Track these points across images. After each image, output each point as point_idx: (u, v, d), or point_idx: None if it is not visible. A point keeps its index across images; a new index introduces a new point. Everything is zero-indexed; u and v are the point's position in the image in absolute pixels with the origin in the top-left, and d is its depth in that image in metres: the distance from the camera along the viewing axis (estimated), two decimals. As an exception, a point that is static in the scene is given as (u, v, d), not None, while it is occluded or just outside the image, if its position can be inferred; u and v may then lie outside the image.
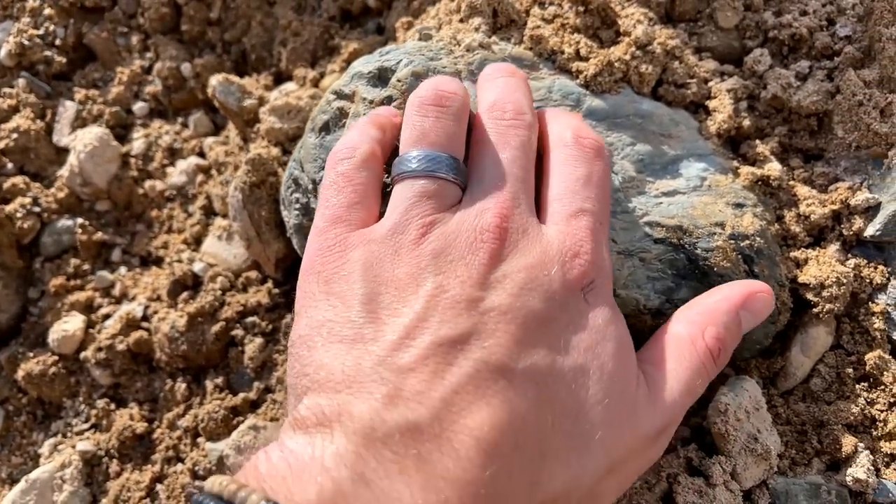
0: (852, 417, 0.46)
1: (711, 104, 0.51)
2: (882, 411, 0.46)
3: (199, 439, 0.59)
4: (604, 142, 0.42)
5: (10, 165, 0.70)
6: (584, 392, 0.34)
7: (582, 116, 0.47)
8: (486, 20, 0.50)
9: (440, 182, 0.38)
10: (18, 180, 0.68)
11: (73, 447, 0.61)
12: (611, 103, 0.49)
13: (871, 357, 0.47)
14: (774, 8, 0.54)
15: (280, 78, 0.69)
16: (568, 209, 0.39)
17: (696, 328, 0.40)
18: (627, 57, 0.49)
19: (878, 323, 0.47)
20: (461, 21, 0.52)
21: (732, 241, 0.46)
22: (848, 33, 0.51)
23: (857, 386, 0.47)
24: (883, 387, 0.46)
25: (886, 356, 0.47)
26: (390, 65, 0.47)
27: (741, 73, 0.53)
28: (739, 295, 0.41)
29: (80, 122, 0.71)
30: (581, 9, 0.51)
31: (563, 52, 0.49)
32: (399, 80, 0.46)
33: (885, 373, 0.46)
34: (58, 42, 0.73)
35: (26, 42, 0.72)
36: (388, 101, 0.45)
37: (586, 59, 0.49)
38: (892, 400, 0.46)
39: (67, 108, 0.72)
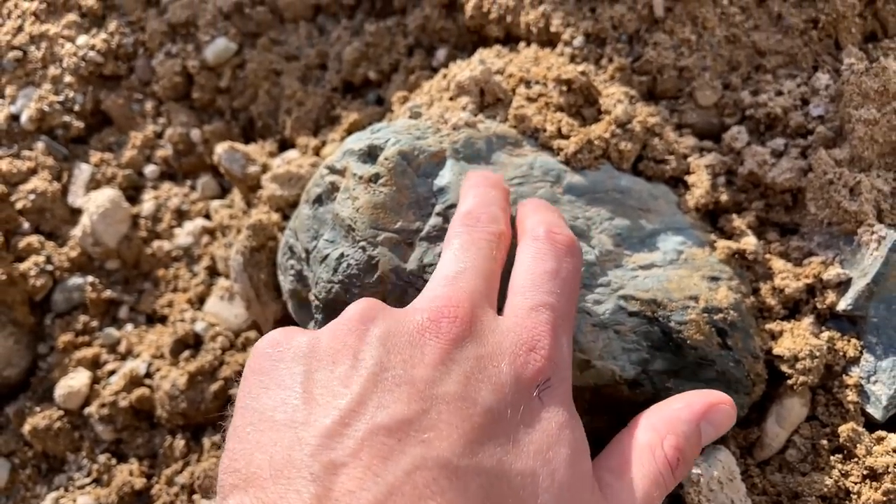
0: (826, 489, 0.47)
1: (690, 179, 0.54)
2: (856, 483, 0.47)
3: (195, 496, 0.60)
4: (576, 240, 0.42)
5: (26, 225, 0.73)
6: (532, 500, 0.32)
7: (559, 212, 0.47)
8: (473, 99, 0.53)
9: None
10: (33, 239, 0.72)
11: (74, 501, 0.63)
12: (590, 179, 0.51)
13: (844, 429, 0.48)
14: (752, 87, 0.57)
15: (284, 145, 0.72)
16: (529, 302, 0.38)
17: (655, 436, 0.39)
18: (607, 135, 0.52)
19: (851, 395, 0.48)
20: (451, 99, 0.54)
21: (706, 315, 0.47)
22: (821, 113, 0.53)
23: (831, 458, 0.48)
24: (856, 459, 0.47)
25: (860, 429, 0.48)
26: (379, 143, 0.49)
27: (719, 150, 0.55)
28: (701, 405, 0.40)
29: (94, 184, 0.75)
30: (564, 88, 0.54)
31: (545, 130, 0.52)
32: (386, 159, 0.48)
33: (858, 445, 0.47)
34: (76, 108, 0.77)
35: (46, 108, 0.76)
36: (375, 178, 0.48)
37: (567, 137, 0.52)
38: (865, 472, 0.47)
39: (83, 171, 0.75)
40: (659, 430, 0.39)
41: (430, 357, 0.33)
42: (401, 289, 0.45)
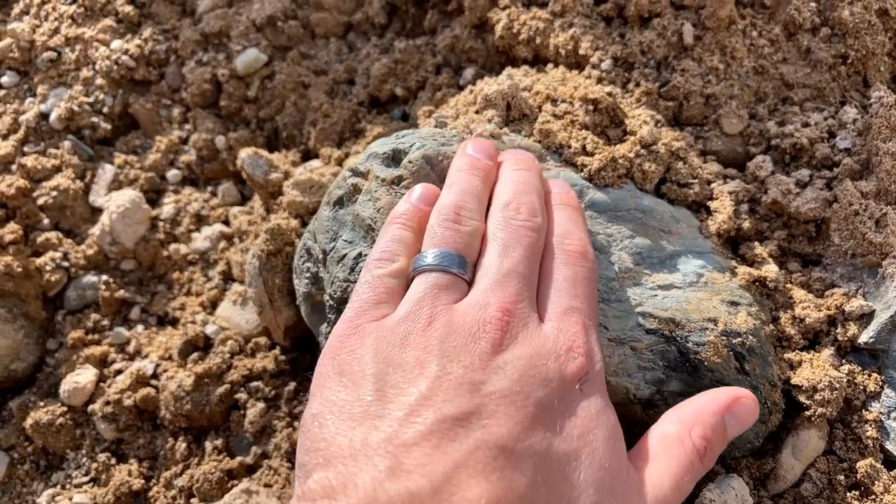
0: (842, 526, 0.45)
1: (713, 205, 0.53)
2: (873, 522, 0.45)
3: (193, 500, 0.59)
4: (587, 243, 0.46)
5: (46, 221, 0.74)
6: (576, 475, 0.36)
7: (582, 208, 0.49)
8: (499, 112, 0.53)
9: (450, 276, 0.41)
10: (52, 235, 0.72)
11: (70, 499, 0.62)
12: (613, 197, 0.51)
13: (862, 465, 0.46)
14: (778, 118, 0.56)
15: (307, 155, 0.72)
16: (559, 307, 0.42)
17: (683, 427, 0.41)
18: (632, 155, 0.52)
19: (870, 431, 0.47)
20: (476, 112, 0.55)
21: (724, 338, 0.46)
22: (847, 146, 0.53)
23: (847, 494, 0.47)
24: (874, 496, 0.46)
25: (878, 465, 0.46)
26: (404, 147, 0.50)
27: (743, 178, 0.55)
28: (726, 398, 0.43)
29: (116, 185, 0.75)
30: (591, 108, 0.54)
31: (569, 147, 0.52)
32: (410, 162, 0.48)
33: (875, 482, 0.46)
34: (105, 110, 0.78)
35: (76, 108, 0.77)
36: (398, 180, 0.48)
37: (591, 154, 0.52)
38: (883, 510, 0.45)
39: (106, 171, 0.76)
40: (686, 421, 0.42)
41: (485, 360, 0.37)
42: (416, 291, 0.45)
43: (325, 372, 0.39)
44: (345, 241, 0.48)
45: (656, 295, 0.48)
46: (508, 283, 0.41)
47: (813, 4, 0.59)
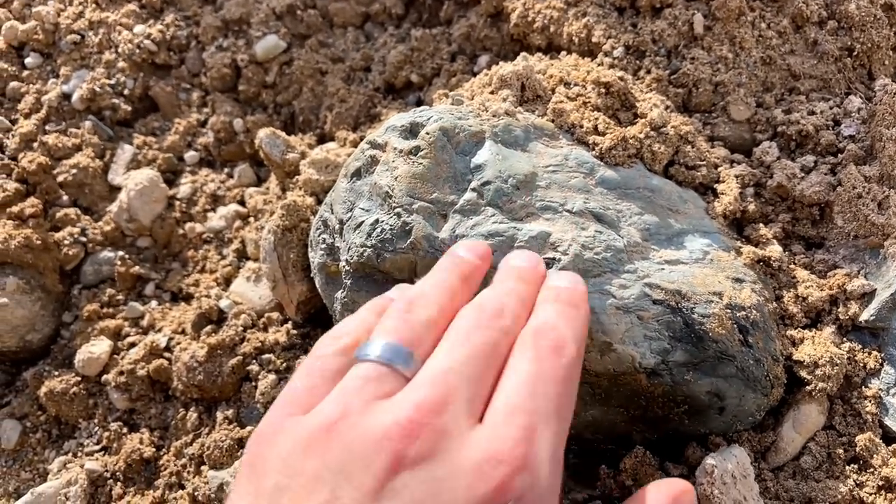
0: (840, 497, 0.46)
1: (720, 187, 0.55)
2: (871, 494, 0.46)
3: (203, 467, 0.61)
4: (567, 339, 0.37)
5: (65, 197, 0.75)
6: None
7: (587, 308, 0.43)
8: (514, 93, 0.55)
9: (387, 370, 0.35)
10: (71, 211, 0.73)
11: (82, 466, 0.63)
12: (623, 175, 0.52)
13: (861, 439, 0.48)
14: (784, 106, 0.58)
15: (323, 139, 0.74)
16: (505, 408, 0.33)
17: None
18: (642, 135, 0.53)
19: (870, 406, 0.48)
20: (492, 93, 0.56)
21: (729, 311, 0.48)
22: (852, 133, 0.55)
23: (847, 467, 0.48)
24: (872, 469, 0.47)
25: (877, 440, 0.48)
26: (422, 120, 0.51)
27: (750, 162, 0.57)
28: (666, 497, 0.38)
29: (134, 165, 0.77)
30: (603, 91, 0.55)
31: (581, 126, 0.53)
32: (427, 133, 0.50)
33: (874, 456, 0.47)
34: (126, 92, 0.80)
35: (98, 89, 0.79)
36: (416, 150, 0.49)
37: (603, 134, 0.53)
38: (880, 483, 0.46)
39: (125, 151, 0.78)
40: None
41: (381, 482, 0.30)
42: (431, 256, 0.46)
43: (241, 467, 0.35)
44: (362, 209, 0.50)
45: (663, 269, 0.49)
46: (439, 384, 0.33)
47: (820, -2, 0.60)
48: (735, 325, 0.48)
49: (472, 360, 0.35)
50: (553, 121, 0.54)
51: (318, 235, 0.56)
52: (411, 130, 0.51)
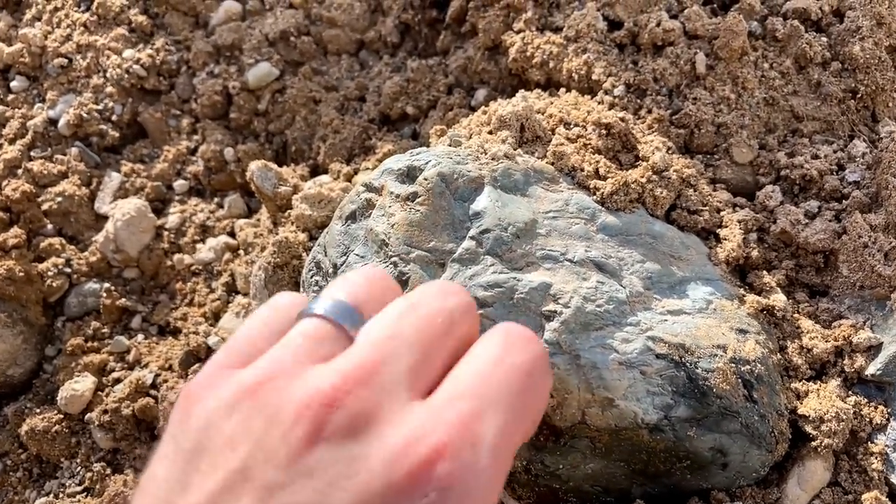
0: (846, 558, 0.45)
1: (722, 232, 0.54)
2: (877, 555, 0.45)
3: (189, 513, 0.59)
4: (537, 339, 0.33)
5: (49, 226, 0.73)
6: None
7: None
8: (513, 134, 0.54)
9: (332, 328, 0.31)
10: (55, 241, 0.72)
11: (63, 508, 0.62)
12: (624, 221, 0.51)
13: (868, 498, 0.46)
14: (788, 149, 0.57)
15: (316, 170, 0.72)
16: (452, 390, 0.29)
17: None
18: (644, 180, 0.52)
19: (876, 463, 0.47)
20: (490, 133, 0.55)
21: (733, 365, 0.46)
22: (856, 178, 0.54)
23: (853, 527, 0.47)
24: (879, 529, 0.46)
25: (883, 498, 0.46)
26: (419, 164, 0.50)
27: (753, 206, 0.55)
28: None
29: (122, 193, 0.75)
30: (604, 132, 0.54)
31: (582, 170, 0.52)
32: (426, 179, 0.48)
33: (881, 515, 0.46)
34: (114, 117, 0.78)
35: (85, 115, 0.77)
36: (413, 197, 0.48)
37: (604, 178, 0.52)
38: (887, 544, 0.45)
39: (112, 179, 0.76)
40: None
41: (297, 454, 0.27)
42: (429, 308, 0.45)
43: (169, 423, 0.31)
44: (357, 255, 0.48)
45: (666, 320, 0.48)
46: (377, 350, 0.30)
47: (824, 39, 0.59)
48: (739, 380, 0.46)
49: (424, 330, 0.31)
50: (553, 163, 0.53)
51: (311, 277, 0.54)
52: (408, 174, 0.50)
